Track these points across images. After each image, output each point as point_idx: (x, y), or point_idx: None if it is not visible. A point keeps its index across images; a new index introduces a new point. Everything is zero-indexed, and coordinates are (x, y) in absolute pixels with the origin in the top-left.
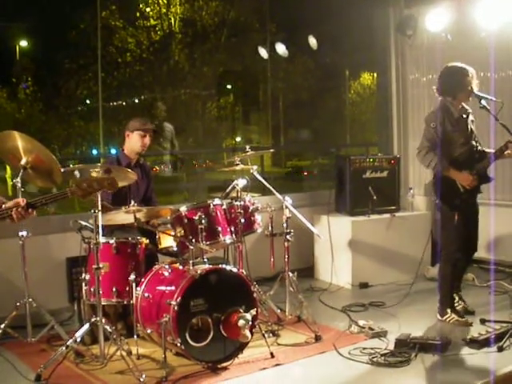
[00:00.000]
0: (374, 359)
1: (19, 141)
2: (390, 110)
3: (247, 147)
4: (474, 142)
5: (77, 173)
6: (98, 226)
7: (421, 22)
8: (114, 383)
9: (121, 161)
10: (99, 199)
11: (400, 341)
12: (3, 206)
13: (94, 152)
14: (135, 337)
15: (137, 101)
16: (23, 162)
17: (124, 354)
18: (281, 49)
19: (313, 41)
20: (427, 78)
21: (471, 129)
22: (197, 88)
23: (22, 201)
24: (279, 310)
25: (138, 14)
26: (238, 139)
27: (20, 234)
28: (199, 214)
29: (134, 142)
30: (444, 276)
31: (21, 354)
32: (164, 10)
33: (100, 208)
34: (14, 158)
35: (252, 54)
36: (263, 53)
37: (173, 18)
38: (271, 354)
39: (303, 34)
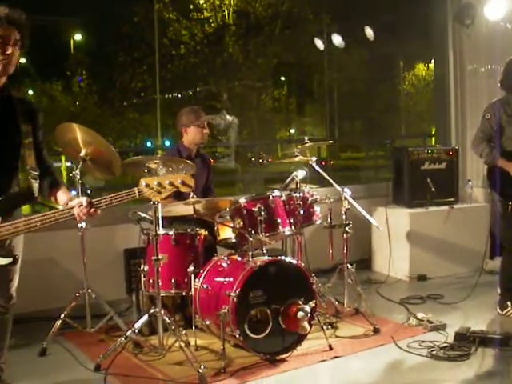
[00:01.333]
0: (433, 352)
1: (78, 133)
2: (447, 101)
3: (306, 138)
4: None
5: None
6: (157, 217)
7: (479, 10)
8: (172, 374)
9: (181, 152)
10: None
11: (459, 334)
12: (67, 203)
13: (148, 144)
14: (193, 328)
15: (191, 93)
16: (82, 153)
17: (182, 345)
18: (337, 40)
19: (369, 31)
20: (486, 68)
21: None
22: (251, 80)
23: (84, 200)
24: (337, 302)
25: (191, 7)
26: (292, 131)
27: (79, 225)
28: (258, 205)
29: (193, 135)
30: (505, 268)
31: (80, 344)
32: (218, 2)
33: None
34: (73, 149)
35: (306, 46)
36: (319, 44)
37: (226, 10)
38: (329, 346)
39: (358, 24)
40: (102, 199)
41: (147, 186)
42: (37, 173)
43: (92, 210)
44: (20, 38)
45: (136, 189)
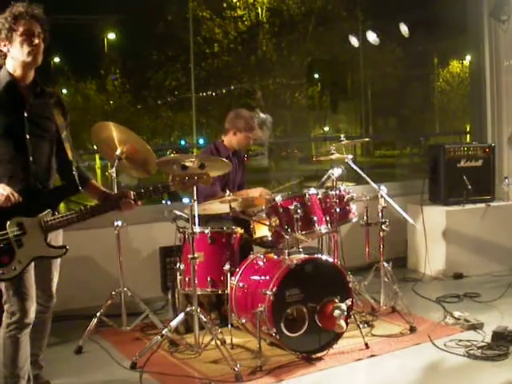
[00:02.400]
0: (471, 352)
1: (114, 131)
2: (483, 98)
3: (342, 136)
4: None
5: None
6: (193, 215)
7: None
8: (208, 372)
9: (220, 151)
10: (195, 190)
11: (497, 333)
12: (110, 194)
13: (182, 142)
14: (229, 326)
15: (225, 91)
16: (118, 152)
17: (218, 343)
18: (371, 37)
19: (404, 28)
20: None
21: None
22: (285, 78)
23: (130, 192)
24: (373, 301)
25: (224, 5)
26: (326, 129)
27: (115, 223)
28: (295, 203)
29: (240, 142)
30: None
31: (116, 342)
32: (251, 0)
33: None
34: (108, 148)
35: (340, 43)
36: (354, 41)
37: (260, 8)
38: (366, 344)
39: (391, 21)
40: (142, 191)
41: (180, 180)
42: (76, 164)
43: (136, 201)
44: (42, 31)
45: (171, 182)
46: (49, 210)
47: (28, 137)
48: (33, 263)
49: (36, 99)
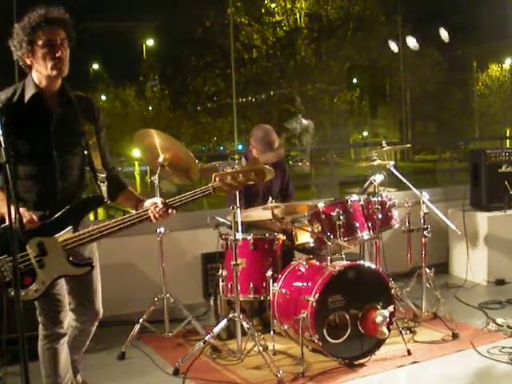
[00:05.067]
0: None
1: (156, 138)
2: None
3: (383, 142)
4: None
5: (218, 165)
6: (236, 222)
7: None
8: (251, 378)
9: (248, 160)
10: (237, 196)
11: None
12: (141, 204)
13: (221, 149)
14: (271, 332)
15: (264, 97)
16: (161, 159)
17: (261, 349)
18: (411, 42)
19: (444, 33)
20: None
21: None
22: (324, 83)
23: (160, 201)
24: (415, 307)
25: (263, 11)
26: (365, 134)
27: (158, 230)
28: (337, 209)
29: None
30: None
31: (158, 348)
32: (289, 6)
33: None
34: (151, 155)
35: (379, 48)
36: (393, 46)
37: (298, 14)
38: (408, 351)
39: (430, 25)
40: (176, 198)
41: (221, 181)
42: (104, 175)
43: (169, 210)
44: (66, 34)
45: (210, 185)
46: (70, 228)
47: (55, 152)
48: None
49: (63, 108)
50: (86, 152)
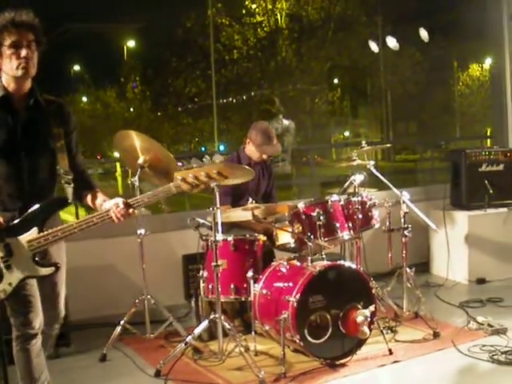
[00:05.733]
0: (495, 357)
1: (136, 140)
2: (504, 101)
3: (363, 142)
4: None
5: (179, 164)
6: (216, 223)
7: None
8: (233, 379)
9: (241, 159)
10: (217, 196)
11: None
12: (102, 206)
13: (203, 149)
14: (253, 333)
15: (245, 97)
16: (141, 160)
17: (242, 350)
18: (391, 42)
19: (424, 33)
20: None
21: None
22: (305, 83)
23: (121, 202)
24: (396, 306)
25: (244, 11)
26: (347, 134)
27: (138, 232)
28: (317, 210)
29: (252, 152)
30: None
31: (140, 350)
32: (270, 7)
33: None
34: (131, 157)
35: (359, 48)
36: (374, 46)
37: (279, 14)
38: (389, 350)
39: (410, 26)
40: (138, 198)
41: (183, 180)
42: (70, 177)
43: (130, 210)
44: (34, 37)
45: (172, 184)
46: (35, 229)
47: (23, 154)
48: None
49: (31, 111)
50: (55, 154)
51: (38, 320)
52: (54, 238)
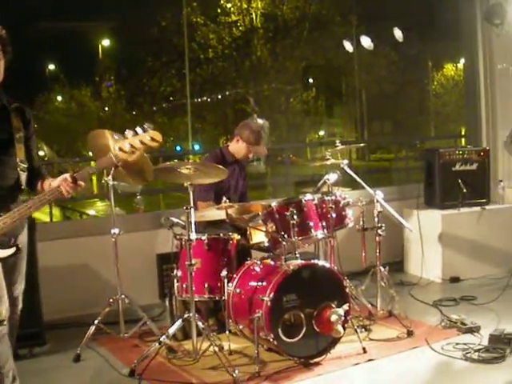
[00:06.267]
0: (468, 355)
1: (110, 139)
2: (477, 101)
3: (337, 141)
4: None
5: (118, 136)
6: (190, 222)
7: (509, 10)
8: (207, 378)
9: (225, 156)
10: (191, 195)
11: (494, 336)
12: (52, 184)
13: (178, 149)
14: (227, 332)
15: (220, 97)
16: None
17: (216, 349)
18: (366, 42)
19: (398, 33)
20: None
21: None
22: (280, 83)
23: (68, 176)
24: (370, 305)
25: (219, 10)
26: (322, 133)
27: (112, 231)
28: (291, 209)
29: (239, 150)
30: None
31: (114, 350)
32: (245, 6)
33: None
34: (104, 155)
35: (334, 48)
36: (348, 46)
37: (254, 14)
38: (363, 349)
39: (385, 25)
40: (83, 170)
41: (120, 149)
42: (25, 165)
43: (78, 182)
44: (1, 47)
45: (111, 154)
46: None
47: None
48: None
49: None
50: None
51: (4, 307)
52: (12, 219)
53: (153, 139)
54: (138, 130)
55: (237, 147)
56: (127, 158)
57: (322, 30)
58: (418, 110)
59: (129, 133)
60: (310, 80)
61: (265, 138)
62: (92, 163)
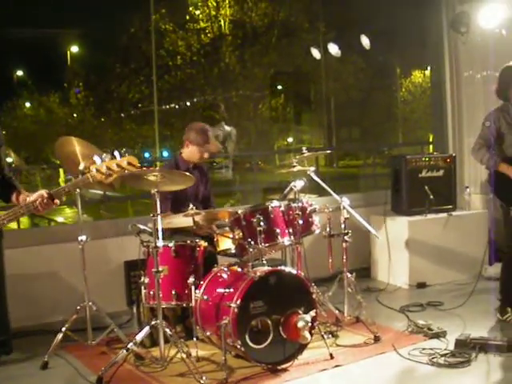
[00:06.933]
0: (434, 360)
1: (77, 146)
2: (444, 108)
3: (304, 149)
4: None
5: (96, 158)
6: (157, 229)
7: (474, 18)
8: None
9: (179, 165)
10: (158, 202)
11: (460, 341)
12: (27, 199)
13: (146, 155)
14: (194, 339)
15: (188, 103)
16: (81, 167)
17: (184, 356)
18: (333, 49)
19: (365, 40)
20: (481, 74)
21: None
22: (248, 90)
23: (44, 192)
24: (338, 311)
25: (187, 17)
26: (290, 140)
27: (79, 238)
28: (258, 215)
29: (193, 154)
30: (506, 274)
31: (81, 357)
32: (214, 13)
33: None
34: (72, 163)
35: (302, 55)
36: (315, 53)
37: (222, 20)
38: (331, 355)
39: (353, 33)
40: (59, 188)
41: (98, 171)
42: None
43: (54, 200)
44: None
45: (89, 175)
46: None
47: None
48: None
49: None
50: None
51: None
52: None
53: (130, 164)
54: (116, 153)
55: (189, 152)
56: (103, 180)
57: (291, 37)
58: (386, 117)
59: (106, 156)
60: (279, 87)
61: (212, 134)
62: (61, 171)
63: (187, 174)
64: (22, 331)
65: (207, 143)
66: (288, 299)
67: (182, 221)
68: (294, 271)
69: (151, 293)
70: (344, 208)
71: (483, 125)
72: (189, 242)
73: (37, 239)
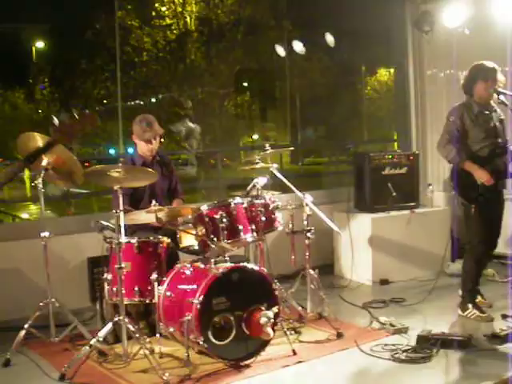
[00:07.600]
0: (396, 355)
1: (40, 142)
2: (407, 106)
3: (267, 145)
4: (497, 138)
5: (55, 119)
6: (119, 225)
7: (438, 17)
8: (137, 382)
9: (135, 161)
10: (121, 199)
11: (421, 337)
12: None
13: (112, 151)
14: (157, 335)
15: (154, 100)
16: (44, 163)
17: (147, 352)
18: (298, 46)
19: (330, 38)
20: (445, 73)
21: (495, 125)
22: (214, 86)
23: None
24: (300, 308)
25: (153, 14)
26: (255, 137)
27: (42, 234)
28: (220, 212)
29: (142, 147)
30: (467, 270)
31: (44, 354)
32: (180, 9)
33: (122, 209)
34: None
35: (268, 52)
36: (280, 50)
37: (188, 17)
38: (293, 351)
39: (319, 31)
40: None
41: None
42: None
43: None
44: None
45: (51, 138)
46: None
47: None
48: None
49: None
50: None
51: None
52: None
53: (92, 121)
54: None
55: (139, 147)
56: (68, 139)
57: (257, 35)
58: (352, 115)
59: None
60: (244, 84)
61: (153, 122)
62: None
63: (149, 169)
64: None
65: (146, 131)
66: (251, 296)
67: (144, 217)
68: (256, 268)
69: (114, 289)
70: (307, 205)
71: (448, 119)
72: (152, 238)
73: None
